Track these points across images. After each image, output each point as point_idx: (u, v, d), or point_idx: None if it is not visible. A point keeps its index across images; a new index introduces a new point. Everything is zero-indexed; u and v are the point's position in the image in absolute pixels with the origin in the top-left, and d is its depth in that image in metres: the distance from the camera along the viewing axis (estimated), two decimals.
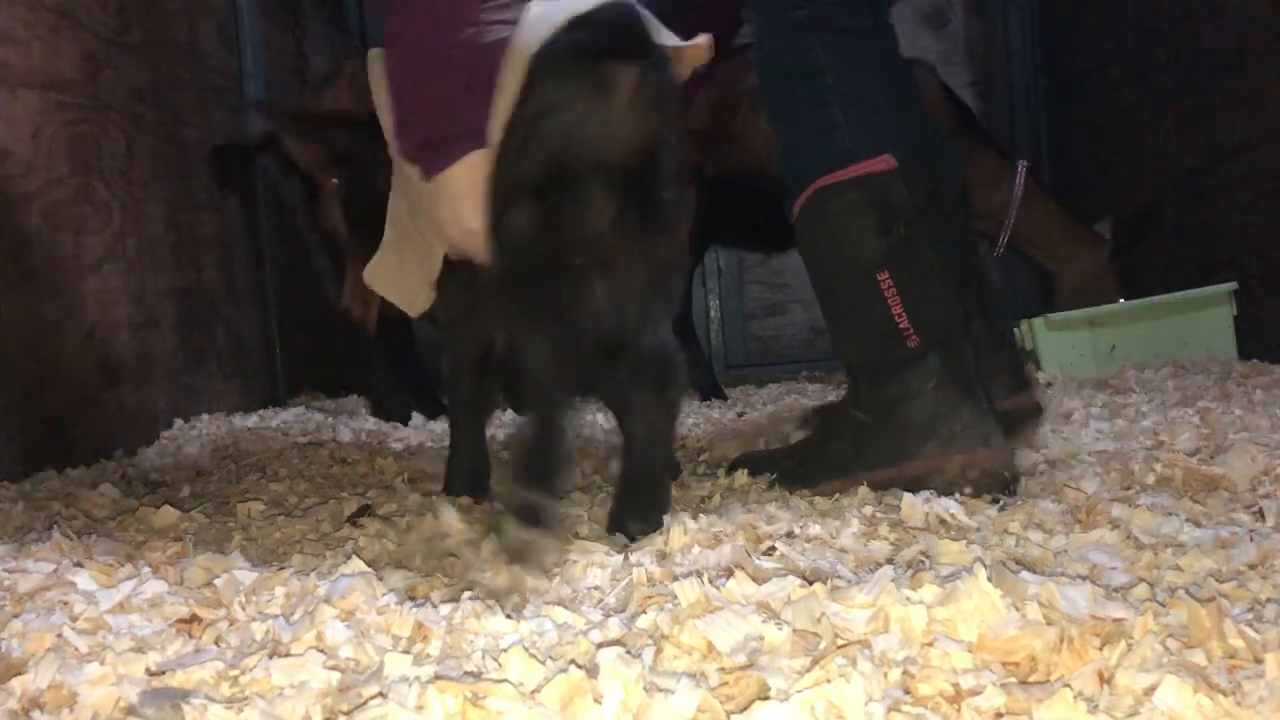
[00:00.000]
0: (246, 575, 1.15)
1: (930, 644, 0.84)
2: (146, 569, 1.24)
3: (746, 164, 3.16)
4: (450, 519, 1.39)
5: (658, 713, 0.75)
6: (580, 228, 1.22)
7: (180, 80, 2.88)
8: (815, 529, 1.24)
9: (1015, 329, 2.81)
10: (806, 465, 1.58)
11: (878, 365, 1.48)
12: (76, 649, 0.96)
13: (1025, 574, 0.96)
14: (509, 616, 0.97)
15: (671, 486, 1.51)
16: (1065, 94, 4.19)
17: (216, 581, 1.13)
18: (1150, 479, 1.45)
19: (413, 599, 1.05)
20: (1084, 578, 1.00)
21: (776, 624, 0.88)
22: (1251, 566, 1.03)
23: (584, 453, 2.11)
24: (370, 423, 2.88)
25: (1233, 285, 2.87)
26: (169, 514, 1.62)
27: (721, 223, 3.31)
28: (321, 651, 0.90)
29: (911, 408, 1.45)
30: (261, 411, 2.92)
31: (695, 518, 1.28)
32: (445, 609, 1.00)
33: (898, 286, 1.44)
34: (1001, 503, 1.37)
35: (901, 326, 1.44)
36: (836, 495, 1.48)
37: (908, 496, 1.34)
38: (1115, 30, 3.68)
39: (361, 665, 0.89)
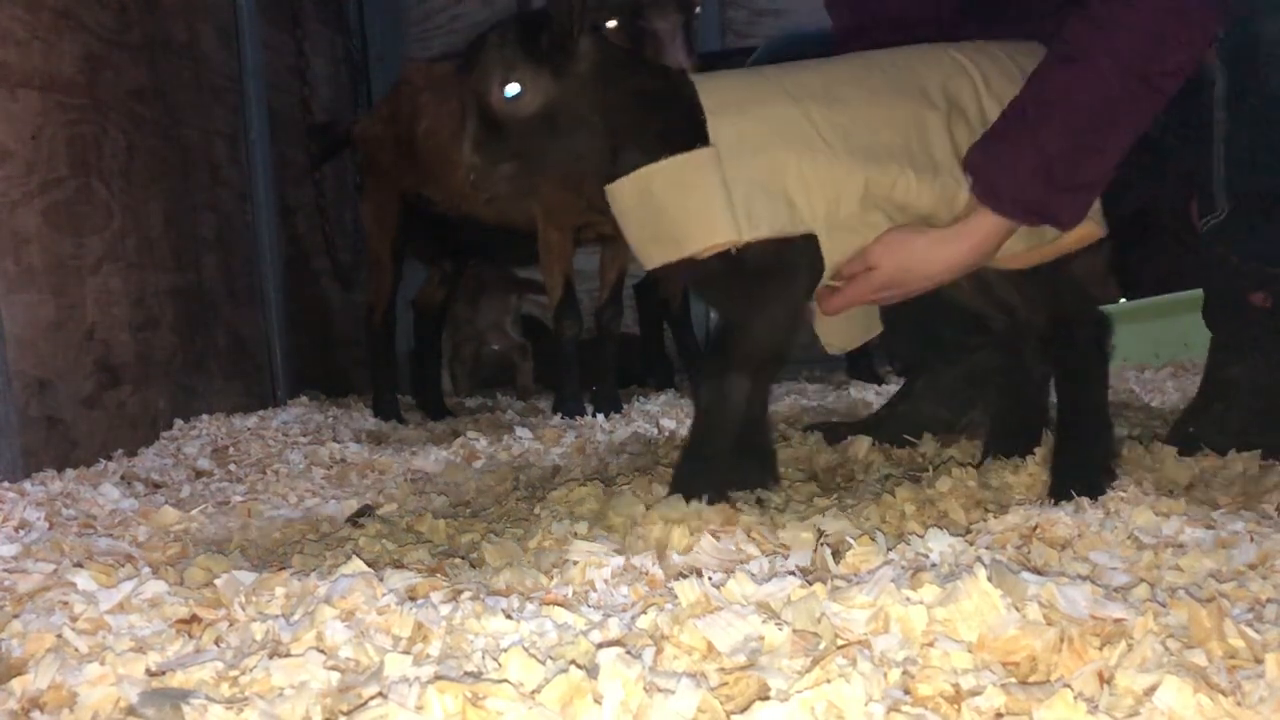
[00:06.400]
0: (246, 575, 1.15)
1: (930, 644, 0.84)
2: (146, 569, 1.24)
3: None
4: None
5: (658, 713, 0.75)
6: None
7: (180, 80, 2.88)
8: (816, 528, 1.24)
9: None
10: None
11: None
12: (76, 649, 0.96)
13: (1025, 574, 0.95)
14: (509, 617, 0.97)
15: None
16: None
17: (216, 581, 1.13)
18: (1150, 479, 1.45)
19: (413, 599, 1.04)
20: (1084, 578, 1.00)
21: (776, 624, 0.88)
22: (1251, 566, 1.03)
23: (582, 451, 2.11)
24: (370, 423, 2.88)
25: None
26: (169, 514, 1.62)
27: None
28: (321, 651, 0.90)
29: None
30: (261, 411, 2.92)
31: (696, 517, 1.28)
32: (445, 609, 1.00)
33: None
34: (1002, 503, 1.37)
35: None
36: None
37: (904, 492, 1.34)
38: None
39: (361, 665, 0.89)
